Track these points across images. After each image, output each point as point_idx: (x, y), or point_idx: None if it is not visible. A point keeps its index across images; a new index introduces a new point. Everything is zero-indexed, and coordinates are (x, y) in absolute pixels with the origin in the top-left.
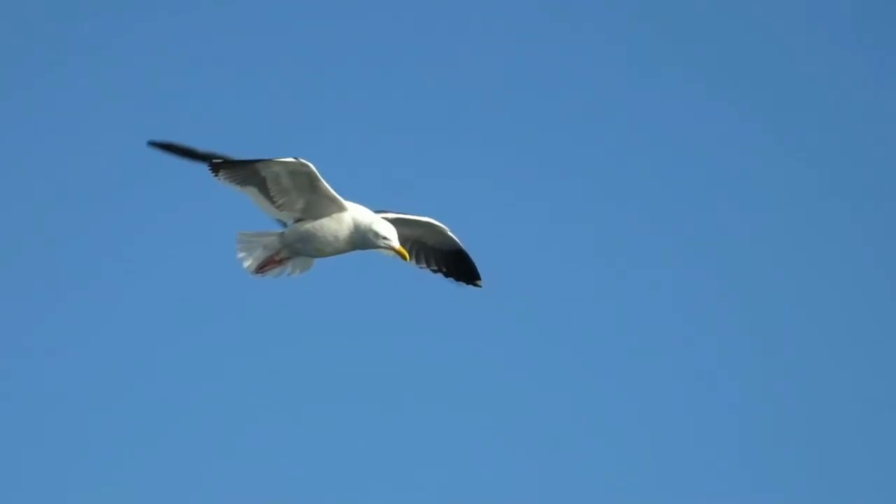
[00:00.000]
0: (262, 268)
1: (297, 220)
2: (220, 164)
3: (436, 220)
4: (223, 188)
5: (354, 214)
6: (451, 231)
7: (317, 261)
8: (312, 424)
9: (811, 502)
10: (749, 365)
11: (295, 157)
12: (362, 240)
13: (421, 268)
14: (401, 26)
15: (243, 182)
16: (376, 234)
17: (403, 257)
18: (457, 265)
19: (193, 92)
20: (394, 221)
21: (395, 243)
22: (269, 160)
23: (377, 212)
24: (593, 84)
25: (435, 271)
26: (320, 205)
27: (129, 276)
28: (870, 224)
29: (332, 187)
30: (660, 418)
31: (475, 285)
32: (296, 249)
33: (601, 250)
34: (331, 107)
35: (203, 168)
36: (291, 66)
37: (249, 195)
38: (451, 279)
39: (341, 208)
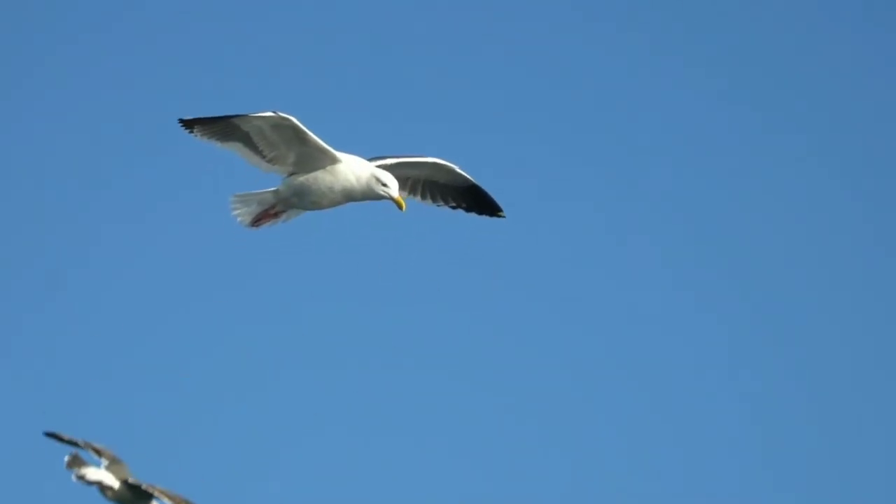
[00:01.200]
0: (257, 221)
1: (291, 174)
2: (192, 121)
3: (441, 159)
4: (205, 145)
5: (350, 165)
6: (460, 168)
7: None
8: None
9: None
10: (754, 360)
11: (274, 111)
12: (362, 189)
13: (438, 206)
14: (400, 26)
15: (224, 138)
16: (378, 180)
17: (400, 206)
18: (475, 200)
19: (194, 89)
20: (396, 165)
21: (395, 192)
22: (246, 115)
23: (372, 159)
24: (599, 77)
25: (454, 208)
26: (313, 157)
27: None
28: (876, 220)
29: (321, 140)
30: (664, 415)
31: (498, 216)
32: (291, 203)
33: (604, 246)
34: (331, 106)
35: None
36: (293, 63)
37: (235, 150)
38: (473, 213)
39: (335, 160)
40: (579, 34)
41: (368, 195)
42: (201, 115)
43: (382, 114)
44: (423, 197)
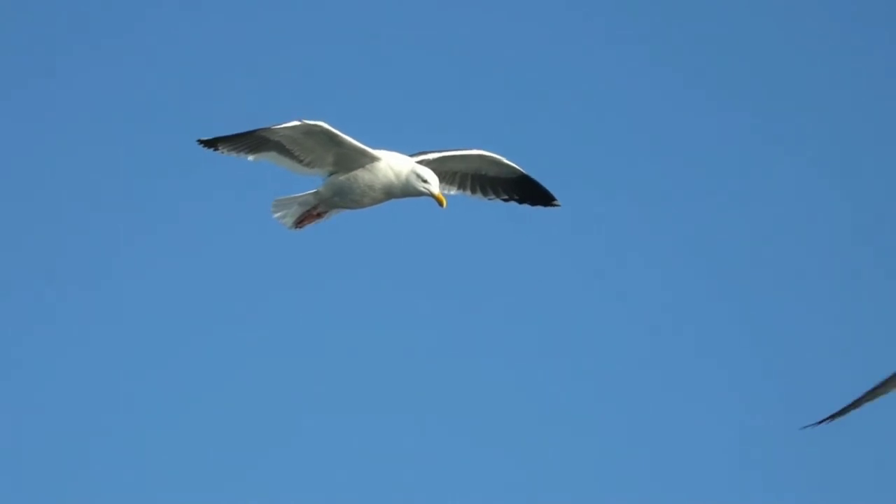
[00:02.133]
0: (300, 222)
1: (331, 174)
2: (212, 141)
3: (486, 150)
4: (233, 160)
5: (390, 162)
6: (507, 159)
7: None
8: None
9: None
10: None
11: (299, 120)
12: (402, 186)
13: (490, 199)
14: (400, 27)
15: (254, 150)
16: (418, 177)
17: (441, 203)
18: (527, 191)
19: (198, 89)
20: (440, 160)
21: (436, 188)
22: (271, 128)
23: (414, 154)
24: (594, 80)
25: (506, 200)
26: (351, 157)
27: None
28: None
29: (356, 141)
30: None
31: (553, 205)
32: (333, 203)
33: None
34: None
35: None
36: (297, 64)
37: (270, 160)
38: (527, 204)
39: (374, 158)
40: (580, 40)
41: (409, 192)
42: (221, 134)
43: (395, 116)
44: (474, 191)
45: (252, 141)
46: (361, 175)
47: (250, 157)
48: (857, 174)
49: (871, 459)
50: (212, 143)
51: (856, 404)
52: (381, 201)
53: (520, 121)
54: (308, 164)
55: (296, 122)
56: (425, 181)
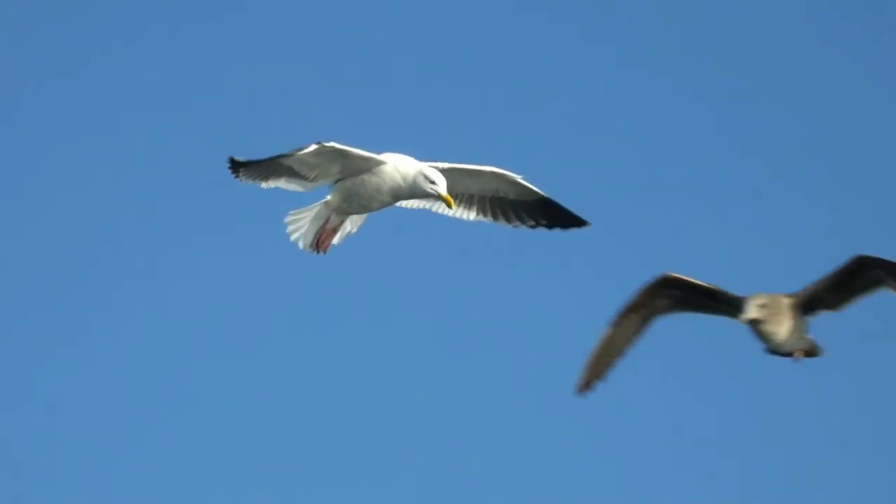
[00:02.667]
0: (318, 243)
1: (337, 181)
2: (240, 164)
3: (500, 168)
4: (246, 187)
5: (396, 164)
6: (523, 178)
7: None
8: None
9: None
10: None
11: (318, 143)
12: (409, 188)
13: (515, 226)
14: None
15: (267, 177)
16: (426, 178)
17: (449, 205)
18: (552, 215)
19: (201, 92)
20: (450, 172)
21: (443, 190)
22: (293, 154)
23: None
24: (587, 85)
25: (533, 227)
26: (357, 166)
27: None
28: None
29: (363, 151)
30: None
31: (583, 226)
32: (343, 210)
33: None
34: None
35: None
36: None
37: (279, 185)
38: (557, 229)
39: (380, 163)
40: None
41: (416, 193)
42: (249, 159)
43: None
44: (496, 217)
45: (269, 167)
46: (368, 179)
47: (262, 184)
48: (862, 211)
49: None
50: (238, 167)
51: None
52: (389, 204)
53: (531, 141)
54: (314, 180)
55: (314, 146)
56: (432, 182)
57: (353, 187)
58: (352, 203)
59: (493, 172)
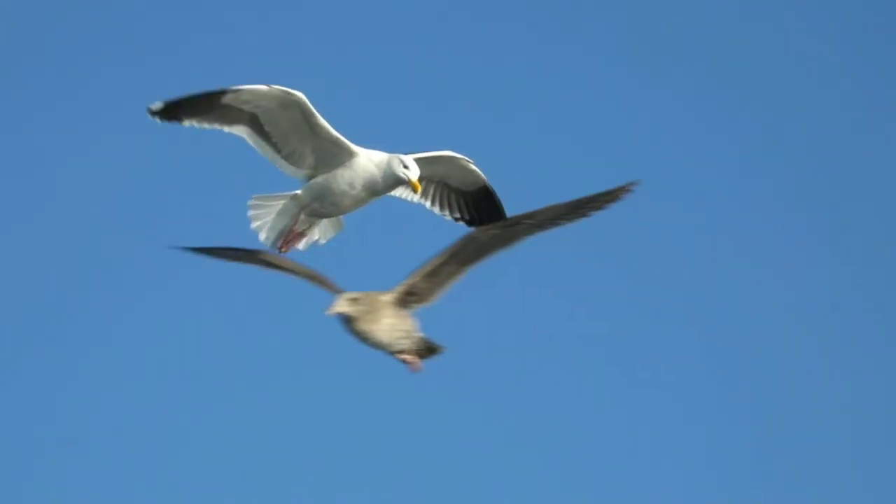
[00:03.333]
0: (283, 244)
1: (311, 178)
2: (169, 109)
3: (457, 152)
4: (207, 133)
5: (369, 155)
6: (474, 164)
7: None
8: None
9: None
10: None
11: (269, 85)
12: (383, 176)
13: (443, 215)
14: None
15: (226, 122)
16: (400, 161)
17: (415, 189)
18: (482, 207)
19: None
20: (418, 160)
21: (415, 175)
22: (235, 88)
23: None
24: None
25: (457, 219)
26: (330, 153)
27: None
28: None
29: (331, 127)
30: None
31: None
32: (314, 211)
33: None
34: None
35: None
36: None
37: (246, 137)
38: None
39: (352, 153)
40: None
41: (389, 180)
42: (175, 98)
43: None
44: (433, 202)
45: (219, 108)
46: (341, 173)
47: (225, 129)
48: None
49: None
50: (170, 113)
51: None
52: (363, 201)
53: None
54: (287, 158)
55: (265, 87)
56: (406, 167)
57: (325, 183)
58: (323, 201)
59: (450, 157)
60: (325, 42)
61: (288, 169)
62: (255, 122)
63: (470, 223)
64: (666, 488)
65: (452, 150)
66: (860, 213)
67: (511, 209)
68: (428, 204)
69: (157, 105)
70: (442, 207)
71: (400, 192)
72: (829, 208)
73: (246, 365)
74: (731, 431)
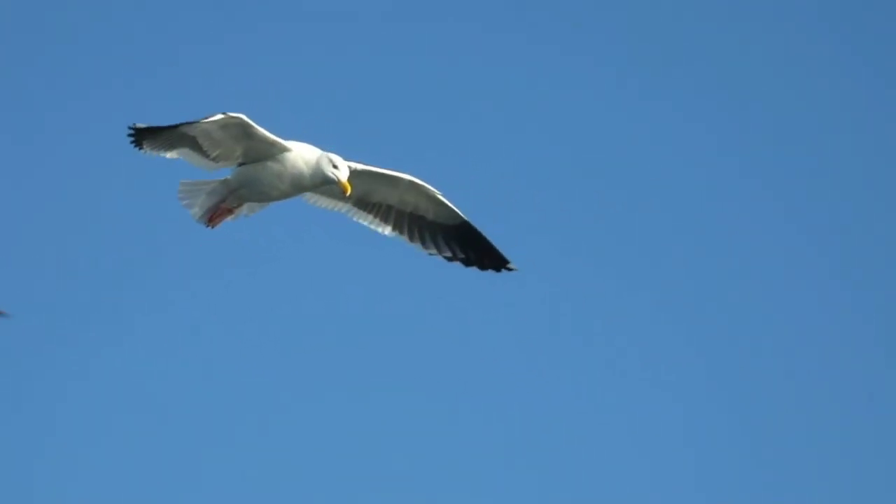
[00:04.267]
0: (212, 218)
1: (240, 165)
2: (143, 132)
3: (419, 179)
4: (150, 158)
5: (300, 152)
6: (441, 195)
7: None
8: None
9: None
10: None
11: (224, 113)
12: (311, 173)
13: (431, 253)
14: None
15: (171, 146)
16: (329, 161)
17: (345, 190)
18: (472, 247)
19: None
20: (367, 175)
21: (344, 176)
22: (198, 122)
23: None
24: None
25: (450, 259)
26: (260, 150)
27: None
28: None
29: (270, 133)
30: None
31: (507, 269)
32: (242, 196)
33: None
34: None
35: None
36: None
37: (182, 157)
38: (475, 268)
39: (284, 149)
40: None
41: (316, 178)
42: (151, 125)
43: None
44: (412, 237)
45: (174, 136)
46: (271, 166)
47: (167, 155)
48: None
49: None
50: (141, 136)
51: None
52: (289, 195)
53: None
54: (215, 159)
55: (220, 116)
56: (335, 166)
57: (254, 172)
58: (251, 189)
59: (410, 182)
60: (317, 47)
61: (215, 167)
62: (194, 143)
63: (466, 263)
64: (664, 489)
65: (419, 177)
66: (853, 215)
67: (512, 209)
68: (406, 239)
69: (142, 125)
70: (425, 245)
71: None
72: (822, 210)
73: (248, 366)
74: (726, 432)
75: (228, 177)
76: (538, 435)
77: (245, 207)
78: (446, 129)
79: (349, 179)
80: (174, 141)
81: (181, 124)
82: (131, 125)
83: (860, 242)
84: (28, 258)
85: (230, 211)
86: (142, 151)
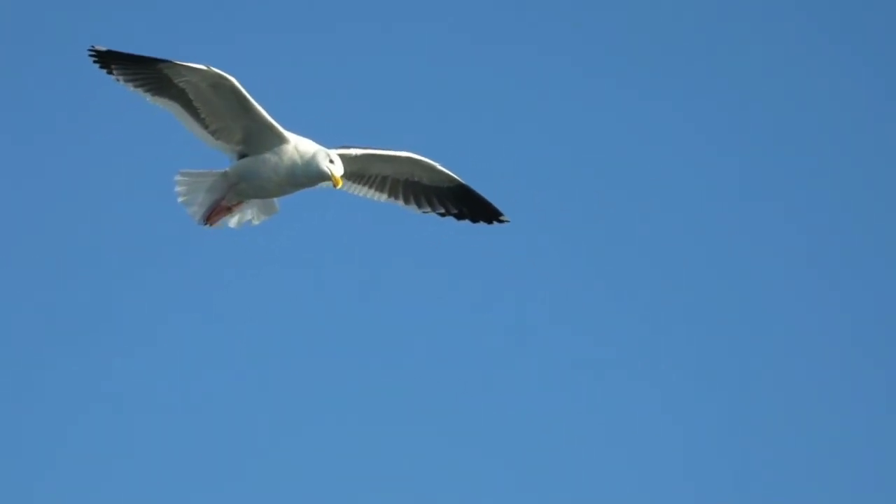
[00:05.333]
0: (210, 217)
1: (242, 156)
2: (107, 54)
3: (418, 154)
4: (134, 98)
5: (297, 144)
6: (442, 165)
7: (280, 204)
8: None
9: None
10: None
11: (206, 65)
12: (304, 165)
13: (425, 212)
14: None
15: (155, 91)
16: (326, 154)
17: (336, 184)
18: (466, 203)
19: None
20: (364, 158)
21: (339, 171)
22: (173, 62)
23: (335, 148)
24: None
25: (443, 214)
26: (261, 135)
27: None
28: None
29: (268, 113)
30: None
31: (500, 221)
32: (240, 191)
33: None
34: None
35: None
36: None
37: (170, 110)
38: (468, 220)
39: (282, 139)
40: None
41: (311, 172)
42: (119, 50)
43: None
44: (406, 200)
45: (152, 75)
46: (268, 157)
47: (149, 98)
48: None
49: None
50: (106, 59)
51: None
52: (287, 189)
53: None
54: (214, 133)
55: (202, 66)
56: (331, 161)
57: (254, 164)
58: (250, 183)
59: (409, 158)
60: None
61: (215, 145)
62: (183, 98)
63: (459, 217)
64: (664, 489)
65: (417, 152)
66: (853, 215)
67: (512, 210)
68: (401, 203)
69: (102, 48)
70: (420, 205)
71: (365, 194)
72: (822, 210)
73: (248, 365)
74: (725, 432)
75: (227, 169)
76: (538, 435)
77: (249, 212)
78: (446, 129)
79: (343, 173)
80: (156, 84)
81: (157, 60)
82: (91, 46)
83: (860, 242)
84: (27, 259)
85: (229, 209)
86: (113, 78)
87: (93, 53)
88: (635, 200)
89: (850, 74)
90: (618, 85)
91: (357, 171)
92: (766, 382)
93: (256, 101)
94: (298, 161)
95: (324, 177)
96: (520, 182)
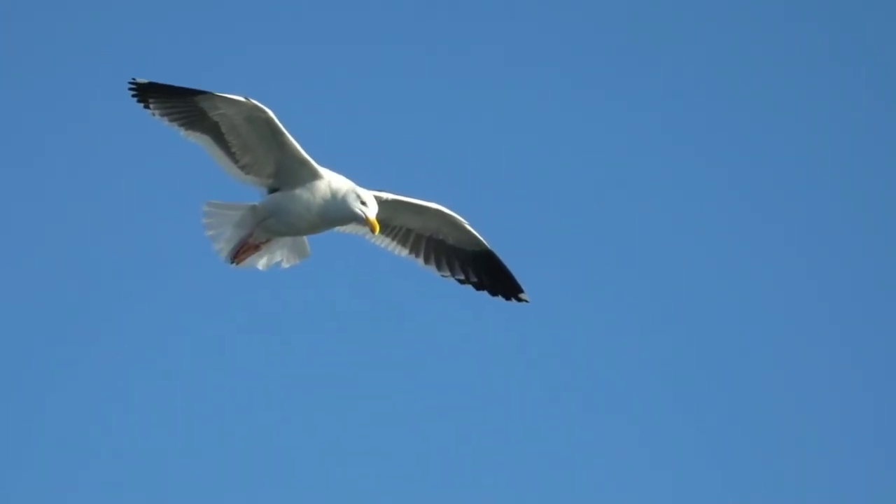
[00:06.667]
0: (238, 255)
1: (272, 191)
2: (146, 87)
3: (444, 206)
4: (166, 129)
5: (331, 180)
6: (468, 224)
7: (312, 247)
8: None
9: None
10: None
11: (245, 96)
12: (337, 205)
13: (444, 276)
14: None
15: (189, 124)
16: (357, 196)
17: (373, 229)
18: (488, 273)
19: None
20: (393, 204)
21: (372, 213)
22: (212, 94)
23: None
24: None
25: (462, 281)
26: (292, 170)
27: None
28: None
29: (302, 147)
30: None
31: (519, 300)
32: (270, 227)
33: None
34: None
35: None
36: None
37: (202, 144)
38: (486, 292)
39: (315, 175)
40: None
41: (343, 211)
42: (158, 81)
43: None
44: (427, 259)
45: (189, 107)
46: (300, 194)
47: (182, 132)
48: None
49: None
50: (145, 92)
51: None
52: (318, 227)
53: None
54: (244, 168)
55: (240, 98)
56: (363, 203)
57: (284, 201)
58: (280, 219)
59: (437, 210)
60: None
61: (245, 179)
62: (216, 131)
63: (478, 287)
64: (664, 488)
65: (445, 204)
66: (852, 216)
67: (510, 209)
68: (421, 262)
69: (143, 80)
70: (440, 267)
71: (387, 245)
72: (822, 210)
73: (247, 366)
74: (725, 432)
75: (257, 204)
76: (537, 435)
77: (279, 253)
78: (446, 129)
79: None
80: (191, 116)
81: (195, 91)
82: (132, 79)
83: (860, 242)
84: (28, 259)
85: (256, 248)
86: (149, 112)
87: (133, 87)
88: (635, 200)
89: (850, 74)
90: (618, 84)
91: (383, 218)
92: (766, 382)
93: (291, 134)
94: (331, 199)
95: (356, 218)
96: (520, 182)
